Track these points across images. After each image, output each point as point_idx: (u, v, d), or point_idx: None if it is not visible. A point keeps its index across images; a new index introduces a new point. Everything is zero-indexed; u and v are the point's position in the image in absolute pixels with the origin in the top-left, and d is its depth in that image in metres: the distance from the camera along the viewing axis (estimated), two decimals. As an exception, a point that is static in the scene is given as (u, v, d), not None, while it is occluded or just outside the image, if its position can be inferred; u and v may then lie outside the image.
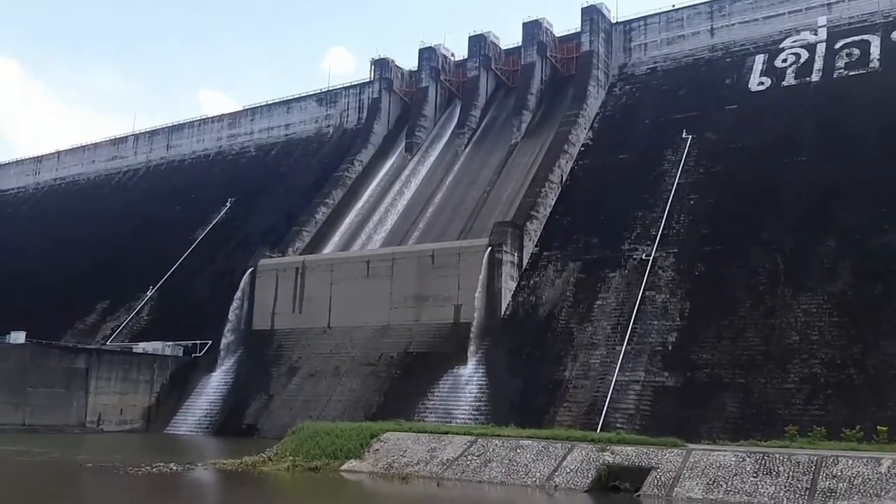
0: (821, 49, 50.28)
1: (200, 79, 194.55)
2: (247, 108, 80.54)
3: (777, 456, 19.06)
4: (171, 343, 50.95)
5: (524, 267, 44.60)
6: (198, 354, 50.73)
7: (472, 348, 40.60)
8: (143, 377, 48.25)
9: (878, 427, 23.25)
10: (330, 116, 73.57)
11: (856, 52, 48.55)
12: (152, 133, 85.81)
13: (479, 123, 62.92)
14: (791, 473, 18.12)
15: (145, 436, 44.81)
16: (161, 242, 64.66)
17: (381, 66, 70.45)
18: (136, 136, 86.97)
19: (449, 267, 44.53)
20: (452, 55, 69.37)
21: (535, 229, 46.23)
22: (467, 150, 60.58)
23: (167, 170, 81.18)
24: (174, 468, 25.16)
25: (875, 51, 47.89)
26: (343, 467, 23.60)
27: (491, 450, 22.54)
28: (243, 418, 44.45)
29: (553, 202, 48.48)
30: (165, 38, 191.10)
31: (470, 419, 36.19)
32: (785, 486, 17.78)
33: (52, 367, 44.89)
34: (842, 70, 48.11)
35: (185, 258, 61.46)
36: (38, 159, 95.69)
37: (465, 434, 24.52)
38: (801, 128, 44.95)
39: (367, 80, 71.90)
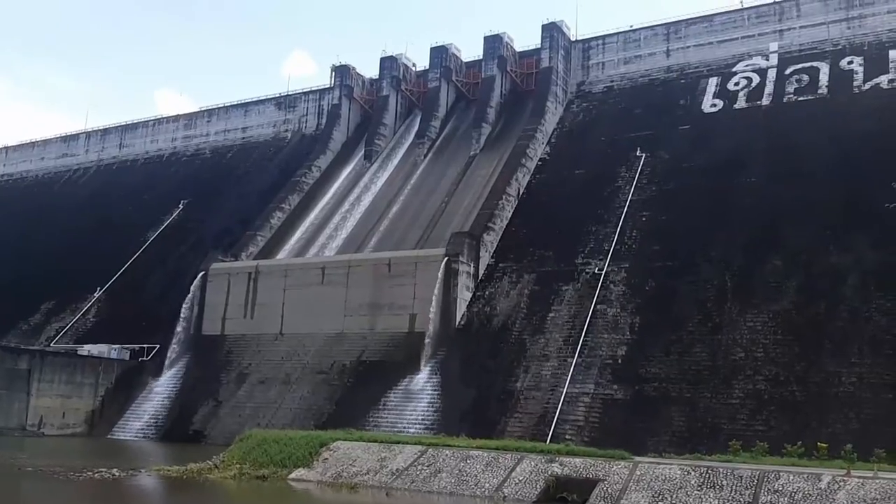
0: (772, 74, 51.77)
1: (156, 78, 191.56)
2: (203, 109, 79.63)
3: (721, 470, 19.44)
4: (117, 346, 49.88)
5: (480, 278, 44.83)
6: (145, 358, 49.74)
7: (425, 358, 40.59)
8: (88, 380, 47.11)
9: (819, 443, 23.81)
10: (289, 121, 73.11)
11: (805, 78, 50.08)
12: (105, 131, 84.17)
13: (439, 134, 63.17)
14: (734, 487, 18.50)
15: (88, 440, 43.74)
16: (111, 243, 63.33)
17: (342, 72, 70.29)
18: (88, 134, 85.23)
19: (405, 276, 44.51)
20: (414, 65, 69.60)
21: (491, 241, 46.53)
22: (426, 160, 60.74)
23: (119, 169, 79.68)
24: (117, 474, 24.64)
25: (824, 77, 49.46)
26: (291, 476, 23.37)
27: (441, 460, 22.56)
28: (190, 424, 43.66)
29: (510, 215, 48.89)
30: (121, 36, 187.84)
31: (422, 429, 36.11)
32: (728, 500, 18.15)
33: (-8, 368, 43.60)
34: (791, 95, 49.57)
35: (135, 259, 60.31)
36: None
37: (415, 444, 24.49)
38: (751, 149, 46.13)
39: (328, 86, 71.70)
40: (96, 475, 24.07)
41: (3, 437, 40.56)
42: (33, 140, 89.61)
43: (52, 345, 53.27)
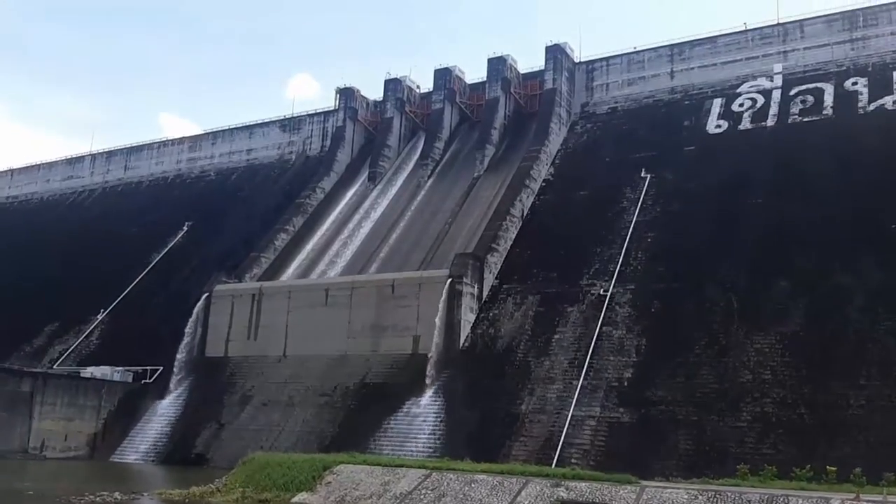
0: (776, 95, 51.82)
1: (161, 102, 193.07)
2: (208, 131, 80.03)
3: (729, 494, 19.15)
4: (120, 368, 49.69)
5: (484, 299, 44.64)
6: (148, 381, 49.52)
7: (429, 380, 40.32)
8: (90, 403, 46.90)
9: (828, 467, 23.50)
10: (293, 143, 73.36)
11: (810, 98, 50.12)
12: (110, 154, 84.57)
13: (443, 155, 63.30)
14: (743, 512, 18.19)
15: (90, 463, 43.47)
16: (115, 265, 63.31)
17: (347, 95, 70.64)
18: (94, 157, 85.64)
19: (409, 297, 44.35)
20: (418, 87, 69.92)
21: (495, 262, 46.40)
22: (430, 181, 60.81)
23: (124, 191, 79.94)
24: (119, 498, 24.43)
25: (829, 98, 49.49)
26: (294, 500, 23.10)
27: (445, 484, 22.26)
28: (193, 447, 43.35)
29: (514, 236, 48.79)
30: (126, 61, 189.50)
31: (426, 452, 35.79)
32: (737, 525, 17.84)
33: (-5, 391, 43.41)
34: (796, 116, 49.58)
35: (139, 281, 60.29)
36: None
37: (419, 467, 24.22)
38: (756, 170, 46.05)
39: (332, 108, 72.00)
40: (98, 499, 23.85)
41: (4, 460, 40.31)
42: (39, 162, 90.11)
43: (54, 367, 53.10)
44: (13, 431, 43.49)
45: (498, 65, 63.83)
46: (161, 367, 49.46)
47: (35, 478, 31.93)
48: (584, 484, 20.96)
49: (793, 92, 51.32)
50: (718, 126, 51.92)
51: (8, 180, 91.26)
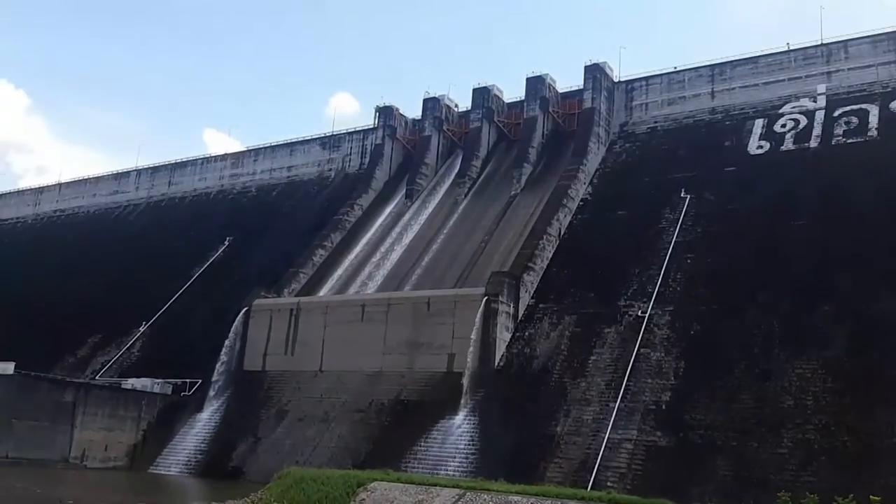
0: (820, 116, 51.04)
1: (204, 118, 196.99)
2: (250, 148, 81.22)
3: (769, 523, 18.76)
4: (160, 380, 50.42)
5: (520, 318, 44.48)
6: (187, 393, 50.18)
7: (464, 398, 40.20)
8: (131, 414, 47.64)
9: (871, 496, 22.88)
10: (332, 160, 74.16)
11: (854, 120, 49.27)
12: (155, 169, 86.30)
13: (480, 174, 63.43)
14: (783, 541, 17.82)
15: (129, 474, 44.09)
16: (157, 278, 64.48)
17: (386, 113, 71.30)
18: (139, 172, 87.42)
19: (444, 315, 44.38)
20: (456, 106, 70.29)
21: (531, 281, 46.24)
22: (467, 199, 60.96)
23: (168, 206, 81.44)
24: (156, 509, 24.73)
25: (874, 119, 48.60)
26: (328, 516, 23.14)
27: (479, 504, 22.14)
28: (229, 460, 43.74)
29: (551, 255, 48.60)
30: (171, 78, 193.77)
31: (459, 471, 35.66)
32: (777, 555, 17.48)
33: (39, 400, 44.33)
34: (840, 137, 48.75)
35: (179, 295, 61.25)
36: (39, 190, 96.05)
37: (453, 487, 24.12)
38: (799, 192, 45.33)
39: (371, 126, 72.68)
40: (135, 510, 24.17)
41: (46, 469, 41.09)
42: (86, 177, 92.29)
43: (96, 378, 54.06)
44: (55, 440, 44.33)
45: (536, 84, 63.92)
46: (200, 380, 50.09)
47: (75, 487, 32.49)
48: (619, 508, 20.70)
49: (837, 113, 50.51)
50: (760, 147, 51.26)
51: (56, 194, 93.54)
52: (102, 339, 60.63)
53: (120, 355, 57.55)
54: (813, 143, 49.32)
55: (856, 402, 32.01)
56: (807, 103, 52.59)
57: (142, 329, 58.98)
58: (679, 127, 57.40)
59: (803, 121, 51.39)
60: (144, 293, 62.51)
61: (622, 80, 62.22)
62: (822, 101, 51.97)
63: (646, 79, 61.06)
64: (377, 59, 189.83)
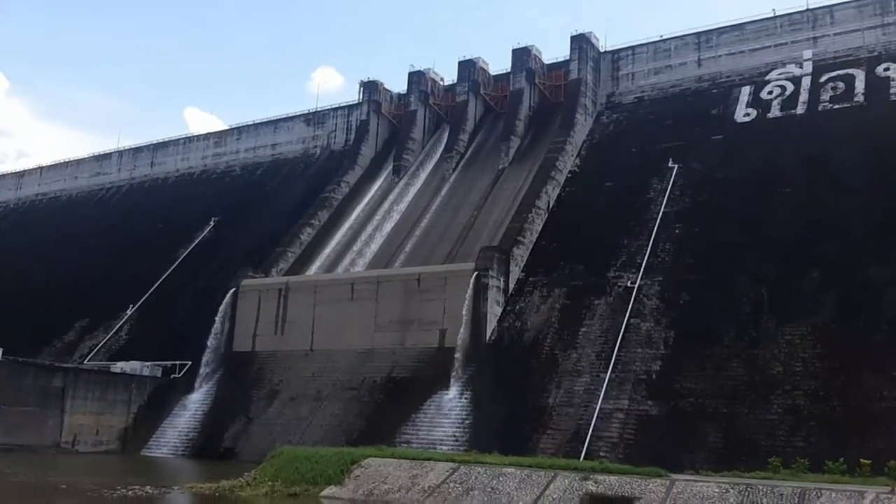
0: (806, 82, 50.93)
1: (185, 97, 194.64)
2: (233, 126, 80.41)
3: (760, 488, 18.95)
4: (149, 363, 50.21)
5: (510, 292, 44.48)
6: (177, 375, 49.99)
7: (456, 373, 40.27)
8: (121, 397, 47.46)
9: (862, 460, 23.19)
10: (317, 137, 73.53)
11: (841, 85, 49.19)
12: (136, 150, 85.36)
13: (468, 148, 63.11)
14: (776, 506, 17.97)
15: (121, 457, 44.01)
16: (143, 261, 64.00)
17: (370, 88, 70.67)
18: (121, 153, 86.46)
19: (434, 291, 44.32)
20: (441, 79, 69.73)
21: (521, 255, 46.19)
22: (455, 174, 60.67)
23: (151, 187, 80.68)
24: (150, 491, 24.71)
25: (860, 85, 48.53)
26: (323, 493, 23.24)
27: (473, 477, 22.26)
28: (222, 441, 43.75)
29: (540, 228, 48.52)
30: (150, 56, 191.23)
31: (453, 445, 35.80)
32: (770, 520, 17.62)
33: (28, 386, 44.01)
34: (827, 103, 48.69)
35: (166, 277, 60.83)
36: (20, 174, 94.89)
37: (447, 461, 24.24)
38: (786, 159, 45.34)
39: (356, 101, 72.03)
40: (129, 493, 24.13)
41: (38, 455, 40.95)
42: (67, 160, 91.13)
43: (85, 362, 53.78)
44: (46, 426, 44.13)
45: (522, 55, 63.44)
46: (190, 362, 49.90)
47: (67, 472, 32.37)
48: (612, 477, 20.87)
49: (823, 79, 50.41)
50: (747, 114, 51.15)
51: (37, 178, 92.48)
52: (89, 323, 60.22)
53: (108, 339, 57.21)
54: (800, 110, 49.26)
55: (844, 367, 32.25)
56: (793, 69, 52.45)
57: (129, 312, 58.60)
58: (666, 96, 57.19)
59: (790, 87, 51.28)
60: (130, 276, 62.06)
61: (608, 50, 61.82)
62: (808, 67, 51.85)
63: (632, 48, 60.67)
64: (360, 32, 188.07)
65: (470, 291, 42.44)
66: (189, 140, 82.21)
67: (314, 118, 74.72)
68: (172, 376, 49.98)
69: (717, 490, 19.15)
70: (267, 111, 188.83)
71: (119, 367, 50.05)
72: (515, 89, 62.86)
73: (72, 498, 24.42)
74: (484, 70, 66.67)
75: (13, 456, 38.95)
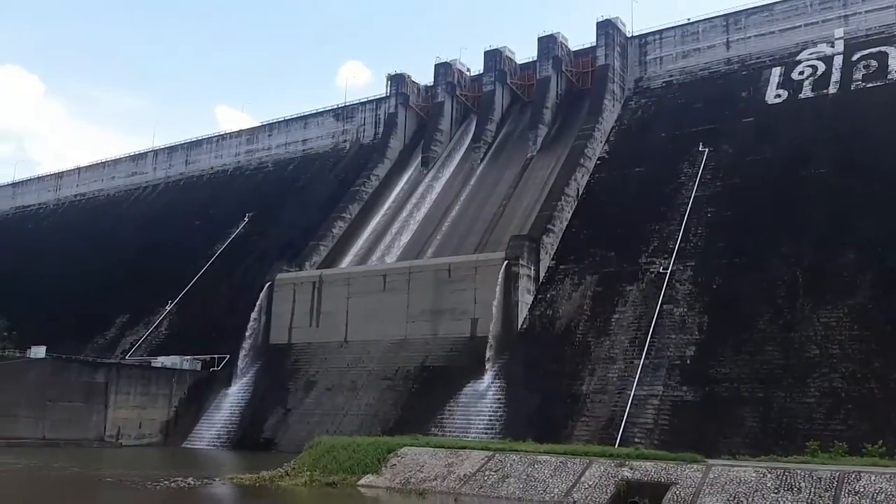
0: (838, 61, 50.05)
1: (216, 95, 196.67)
2: (264, 123, 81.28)
3: (798, 472, 18.86)
4: (189, 357, 51.21)
5: (541, 280, 44.52)
6: (216, 368, 50.95)
7: (489, 362, 40.51)
8: (162, 391, 48.50)
9: (901, 442, 22.92)
10: (347, 131, 74.03)
11: (873, 63, 48.26)
12: (171, 149, 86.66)
13: (495, 138, 63.07)
14: (813, 490, 17.93)
15: (164, 450, 45.00)
16: (180, 257, 65.14)
17: (397, 81, 70.90)
18: (156, 152, 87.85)
19: (465, 280, 44.54)
20: (468, 70, 69.70)
21: (551, 243, 46.18)
22: (483, 164, 60.71)
23: (186, 185, 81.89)
24: (192, 483, 25.26)
25: (893, 62, 47.57)
26: (360, 482, 23.59)
27: (509, 465, 22.45)
28: (261, 432, 44.54)
29: (569, 215, 48.43)
30: (180, 56, 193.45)
31: (487, 433, 36.07)
32: (806, 503, 17.59)
33: (72, 382, 45.23)
34: (859, 82, 47.84)
35: (203, 273, 61.86)
36: (59, 175, 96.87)
37: (482, 449, 24.45)
38: (819, 140, 44.70)
39: (384, 95, 72.41)
40: (172, 485, 24.71)
41: (83, 449, 42.05)
42: (104, 160, 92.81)
43: (127, 358, 54.98)
44: (90, 420, 45.32)
45: (548, 43, 63.13)
46: (228, 356, 50.82)
47: (112, 464, 33.24)
48: (648, 463, 20.90)
49: (855, 57, 49.50)
50: (778, 96, 50.46)
51: (75, 178, 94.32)
52: (130, 319, 61.53)
53: (148, 334, 58.41)
54: (832, 90, 48.47)
55: (882, 349, 31.86)
56: (824, 49, 51.56)
57: (168, 308, 59.73)
58: (695, 80, 56.60)
59: (821, 67, 50.45)
60: (168, 272, 63.20)
61: (635, 34, 61.29)
62: (839, 46, 50.92)
63: (659, 32, 60.10)
64: (386, 25, 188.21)
65: (500, 280, 42.59)
66: (222, 138, 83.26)
67: (343, 113, 75.22)
68: (211, 370, 50.94)
69: (754, 475, 19.09)
70: (296, 107, 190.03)
71: (160, 361, 51.13)
72: (542, 77, 62.62)
73: (117, 490, 25.08)
74: (510, 59, 66.51)
75: (60, 450, 40.09)
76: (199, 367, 51.14)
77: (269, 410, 45.76)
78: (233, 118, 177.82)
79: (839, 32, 51.60)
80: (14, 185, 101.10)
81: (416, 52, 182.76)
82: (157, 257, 67.25)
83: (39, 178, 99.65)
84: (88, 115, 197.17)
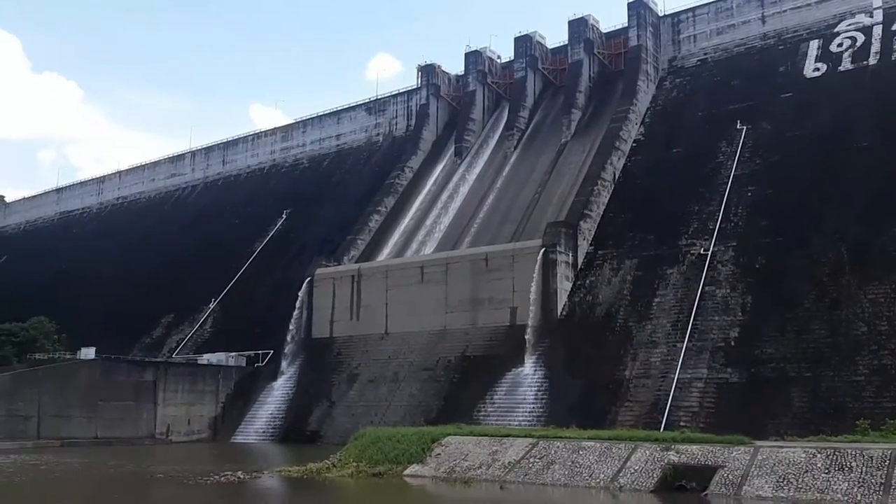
0: (877, 32, 48.74)
1: (249, 93, 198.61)
2: (298, 120, 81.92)
3: (849, 451, 18.60)
4: (234, 354, 52.04)
5: (579, 266, 44.28)
6: (260, 364, 51.70)
7: (529, 350, 40.48)
8: (209, 388, 49.37)
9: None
10: (379, 125, 74.25)
11: (915, 32, 46.89)
12: (208, 149, 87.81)
13: (528, 124, 62.74)
14: (864, 469, 17.66)
15: (213, 445, 45.82)
16: (221, 256, 66.08)
17: (428, 72, 70.83)
18: (193, 153, 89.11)
19: (503, 269, 44.49)
20: (498, 57, 69.33)
21: (588, 228, 45.88)
22: (517, 151, 60.46)
23: (224, 184, 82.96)
24: (241, 476, 25.71)
25: (936, 29, 46.21)
26: (406, 472, 23.82)
27: (553, 452, 22.47)
28: (306, 425, 45.14)
29: (606, 200, 48.03)
30: (212, 56, 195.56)
31: (530, 421, 36.08)
32: (858, 482, 17.34)
33: (122, 381, 46.28)
34: (901, 51, 46.51)
35: (244, 270, 62.72)
36: (101, 180, 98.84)
37: (526, 436, 24.51)
38: (860, 113, 43.64)
39: (415, 86, 72.40)
40: (223, 479, 25.17)
41: (134, 447, 43.01)
42: (143, 163, 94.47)
43: (173, 356, 56.03)
44: (140, 418, 46.34)
45: (579, 26, 62.51)
46: (272, 351, 51.53)
47: (163, 461, 33.94)
48: (695, 447, 20.76)
49: (895, 27, 48.16)
50: (816, 69, 49.34)
51: (116, 182, 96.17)
52: (175, 318, 62.68)
53: (193, 332, 59.46)
54: (872, 61, 47.24)
55: (933, 325, 31.11)
56: (863, 19, 50.22)
57: (212, 305, 60.71)
58: (730, 56, 55.59)
59: (860, 38, 49.18)
60: (210, 271, 64.22)
61: (667, 13, 60.36)
62: (878, 16, 49.54)
63: (692, 10, 59.10)
64: (413, 16, 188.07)
65: (538, 268, 42.45)
66: (257, 136, 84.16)
67: (375, 106, 75.44)
68: (256, 365, 51.68)
69: (803, 455, 18.87)
70: (327, 102, 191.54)
71: (206, 358, 52.02)
72: (574, 61, 62.07)
73: (169, 485, 25.64)
74: (541, 44, 65.99)
75: (112, 448, 41.08)
76: (243, 363, 51.93)
77: (313, 403, 46.34)
78: (266, 116, 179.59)
79: (878, 2, 50.16)
80: (58, 190, 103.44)
81: (445, 42, 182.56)
82: (199, 256, 68.37)
83: (82, 184, 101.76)
84: (126, 118, 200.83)
